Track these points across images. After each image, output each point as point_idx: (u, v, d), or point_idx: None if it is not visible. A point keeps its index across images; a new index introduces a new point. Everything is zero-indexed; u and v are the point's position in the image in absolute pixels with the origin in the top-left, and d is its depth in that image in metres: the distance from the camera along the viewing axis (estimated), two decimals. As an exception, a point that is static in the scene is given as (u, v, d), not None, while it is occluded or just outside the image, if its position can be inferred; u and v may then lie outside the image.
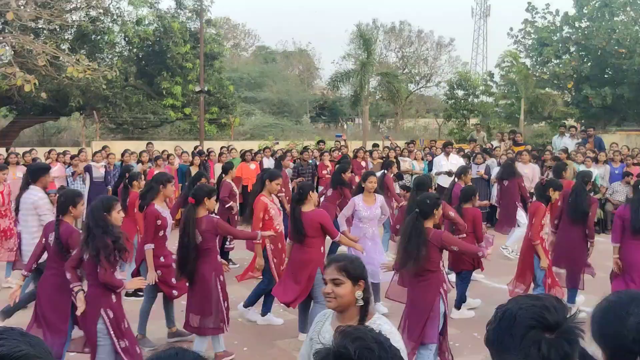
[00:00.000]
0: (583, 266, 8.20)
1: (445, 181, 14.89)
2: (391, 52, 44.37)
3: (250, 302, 7.81)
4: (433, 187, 8.54)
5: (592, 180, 10.04)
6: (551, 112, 28.42)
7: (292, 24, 79.02)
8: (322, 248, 6.92)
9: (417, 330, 5.57)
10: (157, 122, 28.97)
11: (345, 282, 3.06)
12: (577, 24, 30.81)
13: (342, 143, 19.61)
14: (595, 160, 15.30)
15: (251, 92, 40.65)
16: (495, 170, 14.56)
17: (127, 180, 9.49)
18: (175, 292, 6.94)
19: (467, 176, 10.17)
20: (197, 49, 26.88)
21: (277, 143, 21.64)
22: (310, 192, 6.92)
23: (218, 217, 6.61)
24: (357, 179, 15.23)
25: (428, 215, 5.61)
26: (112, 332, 5.11)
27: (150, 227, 6.97)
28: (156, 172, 14.96)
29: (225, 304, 6.34)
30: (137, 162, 16.09)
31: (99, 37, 27.46)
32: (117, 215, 5.31)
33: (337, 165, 12.75)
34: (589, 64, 30.07)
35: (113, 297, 5.20)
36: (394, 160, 15.91)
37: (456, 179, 10.20)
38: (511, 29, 32.37)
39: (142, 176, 13.73)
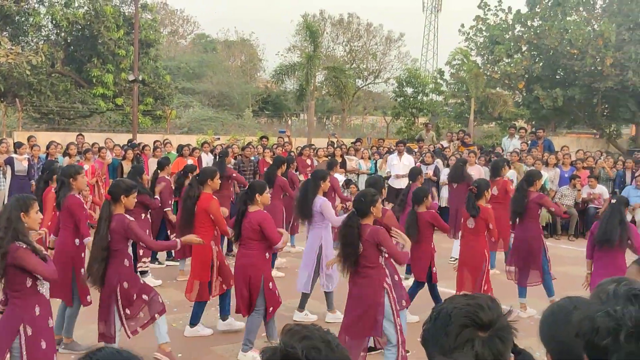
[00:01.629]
0: (537, 264, 8.49)
1: (397, 183, 15.15)
2: (339, 46, 44.66)
3: (196, 318, 7.58)
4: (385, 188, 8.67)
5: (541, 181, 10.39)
6: (501, 112, 29.14)
7: (234, 11, 78.56)
8: (266, 253, 6.84)
9: (360, 327, 5.72)
10: (86, 113, 28.38)
11: None
12: (529, 23, 31.88)
13: (286, 139, 19.65)
14: (546, 163, 15.79)
15: (189, 82, 40.28)
16: (445, 172, 14.86)
17: (46, 176, 9.15)
18: (89, 298, 6.81)
19: (422, 177, 10.34)
20: (131, 35, 26.50)
21: (219, 138, 21.49)
22: (258, 195, 6.82)
23: (132, 219, 6.39)
24: (302, 178, 15.41)
25: (365, 213, 5.72)
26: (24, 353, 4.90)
27: (83, 218, 6.84)
28: (85, 166, 14.80)
29: (127, 311, 6.20)
30: (64, 155, 15.79)
31: (23, 19, 26.79)
32: (35, 216, 5.08)
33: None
34: (541, 64, 31.15)
35: (37, 309, 4.97)
36: (339, 159, 16.15)
37: (411, 182, 10.30)
38: (462, 26, 33.14)
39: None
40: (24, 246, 4.85)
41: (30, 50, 25.27)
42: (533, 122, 30.62)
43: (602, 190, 15.04)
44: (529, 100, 30.95)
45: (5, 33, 25.48)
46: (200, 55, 45.65)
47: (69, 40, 28.04)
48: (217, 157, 15.57)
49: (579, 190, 14.91)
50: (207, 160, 16.48)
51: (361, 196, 5.86)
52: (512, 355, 1.92)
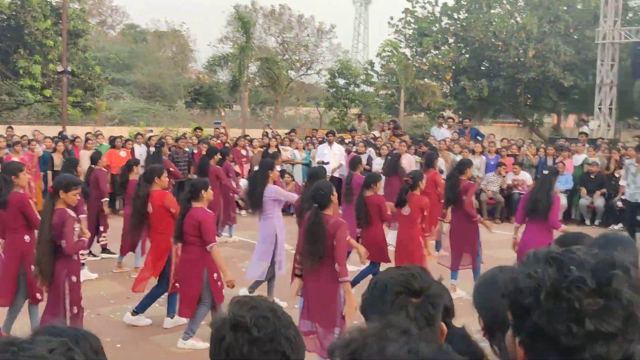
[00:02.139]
0: (472, 248, 8.85)
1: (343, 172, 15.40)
2: (271, 37, 44.48)
3: (142, 308, 7.54)
4: (327, 178, 8.90)
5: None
6: (430, 103, 29.75)
7: (164, 1, 77.22)
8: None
9: (325, 317, 5.76)
10: (13, 105, 27.48)
11: None
12: (455, 15, 32.67)
13: (222, 130, 19.65)
14: (472, 152, 16.28)
15: (119, 74, 39.41)
16: (377, 161, 15.21)
17: None
18: (39, 296, 6.69)
19: (361, 166, 10.65)
20: (58, 25, 25.99)
21: (151, 130, 21.20)
22: (203, 191, 6.79)
23: (73, 214, 6.35)
24: (237, 169, 15.46)
25: (326, 205, 5.81)
26: None
27: (33, 213, 6.76)
28: (14, 158, 14.42)
29: (74, 310, 6.19)
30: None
31: None
32: None
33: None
34: (467, 55, 32.00)
35: None
36: (274, 150, 16.29)
37: (352, 170, 10.53)
38: (392, 18, 33.74)
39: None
40: None
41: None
42: (460, 112, 31.37)
43: (526, 176, 15.62)
44: (456, 91, 31.80)
45: None
46: (130, 46, 44.66)
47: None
48: (154, 148, 15.45)
49: (504, 176, 15.49)
50: (141, 151, 16.35)
51: (319, 189, 5.89)
52: (442, 323, 2.13)
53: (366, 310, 2.13)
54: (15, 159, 15.39)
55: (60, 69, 23.65)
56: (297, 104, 44.63)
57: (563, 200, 14.17)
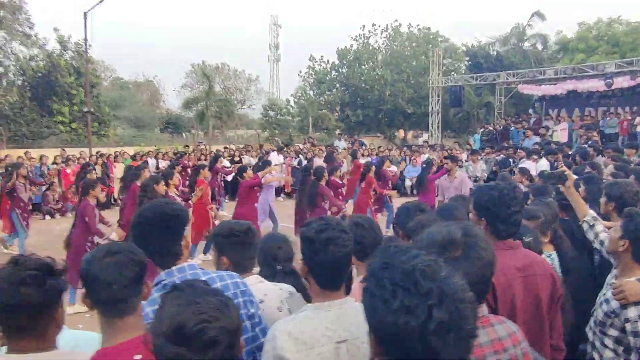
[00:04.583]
0: None
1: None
2: (217, 84, 45.16)
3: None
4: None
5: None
6: (328, 125, 30.85)
7: (140, 59, 75.33)
8: (88, 236, 6.00)
9: None
10: (47, 135, 27.10)
11: None
12: (340, 70, 33.75)
13: (203, 147, 20.68)
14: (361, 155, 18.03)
15: (113, 111, 38.90)
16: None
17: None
18: None
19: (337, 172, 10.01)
20: (79, 79, 25.76)
21: (159, 149, 21.58)
22: (91, 190, 6.23)
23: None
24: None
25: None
26: None
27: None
28: (68, 170, 14.99)
29: None
30: (53, 164, 15.83)
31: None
32: None
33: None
34: (348, 95, 33.03)
35: None
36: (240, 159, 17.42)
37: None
38: (300, 72, 35.01)
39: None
40: None
41: (1, 91, 23.97)
42: (346, 131, 33.05)
43: (394, 169, 17.62)
44: (342, 117, 32.57)
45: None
46: (118, 92, 44.07)
47: (32, 84, 26.50)
48: (206, 160, 15.51)
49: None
50: (152, 163, 16.55)
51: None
52: None
53: None
54: (68, 170, 16.02)
55: (85, 109, 23.80)
56: (235, 127, 45.51)
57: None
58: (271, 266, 2.71)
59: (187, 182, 10.00)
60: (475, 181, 10.34)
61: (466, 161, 12.10)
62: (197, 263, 2.19)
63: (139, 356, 1.53)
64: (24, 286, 1.52)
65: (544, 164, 8.90)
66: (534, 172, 8.10)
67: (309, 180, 8.22)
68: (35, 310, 1.54)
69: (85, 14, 21.33)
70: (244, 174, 7.86)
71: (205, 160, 16.47)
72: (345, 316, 1.78)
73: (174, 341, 1.19)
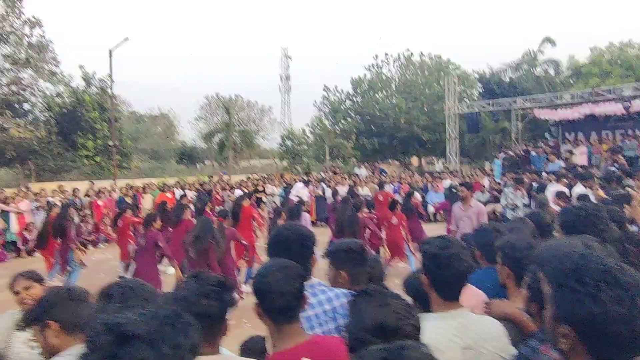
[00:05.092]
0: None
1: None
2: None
3: None
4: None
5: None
6: (344, 153, 30.99)
7: (155, 93, 76.94)
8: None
9: None
10: (70, 168, 27.66)
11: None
12: (354, 99, 34.26)
13: (225, 178, 20.96)
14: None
15: (131, 143, 39.64)
16: (327, 192, 16.77)
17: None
18: None
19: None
20: (103, 114, 26.40)
21: (182, 181, 21.74)
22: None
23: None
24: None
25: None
26: None
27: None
28: (99, 202, 15.23)
29: None
30: (85, 196, 16.17)
31: (17, 105, 25.85)
32: None
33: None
34: (363, 123, 33.36)
35: None
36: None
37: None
38: (315, 101, 35.55)
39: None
40: None
41: (30, 127, 24.68)
42: (362, 159, 33.21)
43: (417, 195, 17.60)
44: (358, 146, 32.63)
45: (7, 115, 24.62)
46: (134, 125, 45.00)
47: (58, 119, 27.25)
48: (204, 194, 15.80)
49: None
50: (178, 193, 16.49)
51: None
52: None
53: None
54: (100, 202, 16.34)
55: (110, 143, 24.38)
56: (249, 157, 46.00)
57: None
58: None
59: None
60: (512, 210, 10.27)
61: (505, 186, 12.06)
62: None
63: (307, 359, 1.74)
64: (207, 299, 1.76)
65: (580, 189, 8.92)
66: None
67: (346, 210, 8.18)
68: (212, 319, 1.76)
69: (110, 51, 22.18)
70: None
71: (231, 190, 16.75)
72: (468, 325, 1.97)
73: (377, 334, 1.40)
